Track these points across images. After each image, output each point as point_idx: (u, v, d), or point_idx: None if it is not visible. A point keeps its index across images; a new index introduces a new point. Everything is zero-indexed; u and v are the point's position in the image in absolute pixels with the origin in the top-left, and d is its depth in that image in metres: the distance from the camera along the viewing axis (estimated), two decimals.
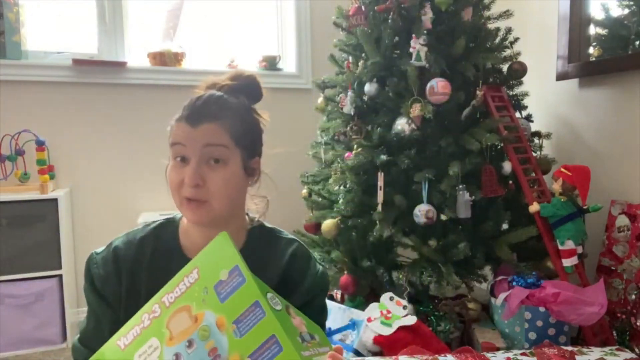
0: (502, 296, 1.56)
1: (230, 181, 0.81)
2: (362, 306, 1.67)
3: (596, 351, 1.30)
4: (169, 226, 0.91)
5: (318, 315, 0.99)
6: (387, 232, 1.60)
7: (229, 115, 0.83)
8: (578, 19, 1.89)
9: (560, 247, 1.52)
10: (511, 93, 1.80)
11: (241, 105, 0.87)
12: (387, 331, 1.49)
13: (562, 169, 1.57)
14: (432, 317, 1.62)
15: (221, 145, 0.80)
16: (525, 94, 1.81)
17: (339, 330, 1.62)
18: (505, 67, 1.79)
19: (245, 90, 0.90)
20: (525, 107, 1.83)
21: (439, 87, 1.54)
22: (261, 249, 0.91)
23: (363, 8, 1.73)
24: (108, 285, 0.85)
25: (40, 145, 2.04)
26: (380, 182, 1.61)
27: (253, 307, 0.64)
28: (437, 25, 1.64)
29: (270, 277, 0.88)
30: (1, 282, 1.91)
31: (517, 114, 1.75)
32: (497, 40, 1.77)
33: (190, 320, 0.66)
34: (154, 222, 0.92)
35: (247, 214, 0.94)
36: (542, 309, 1.47)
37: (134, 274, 0.85)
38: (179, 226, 0.90)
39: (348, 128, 1.74)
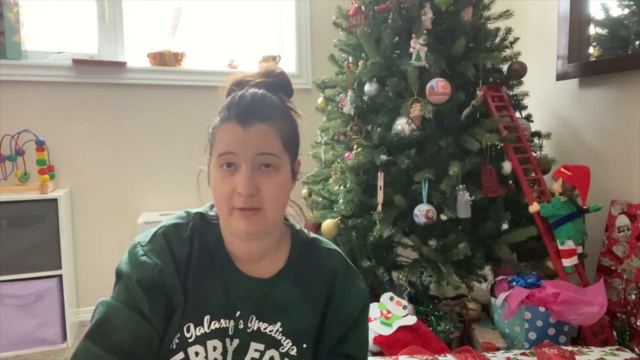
0: (502, 296, 1.56)
1: (282, 188, 0.78)
2: None
3: (596, 351, 1.30)
4: (211, 226, 0.85)
5: (356, 344, 0.90)
6: (387, 232, 1.60)
7: (278, 115, 0.79)
8: (578, 19, 1.89)
9: (560, 247, 1.52)
10: (511, 93, 1.80)
11: (284, 104, 0.83)
12: (387, 331, 1.49)
13: (562, 169, 1.57)
14: (432, 317, 1.62)
15: (273, 154, 0.76)
16: (525, 94, 1.81)
17: None
18: (505, 67, 1.79)
19: (279, 87, 0.85)
20: (525, 107, 1.83)
21: (439, 87, 1.54)
22: (304, 262, 0.87)
23: (363, 8, 1.73)
24: (164, 275, 0.78)
25: (40, 145, 2.04)
26: (380, 182, 1.61)
27: None
28: (437, 25, 1.64)
29: (314, 297, 0.86)
30: (1, 282, 1.91)
31: (517, 114, 1.75)
32: (497, 40, 1.77)
33: None
34: (187, 215, 0.85)
35: (287, 219, 0.90)
36: (542, 309, 1.47)
37: (186, 268, 0.80)
38: (220, 229, 0.85)
39: (348, 128, 1.74)
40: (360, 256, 1.73)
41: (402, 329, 1.49)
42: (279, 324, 0.83)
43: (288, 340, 0.83)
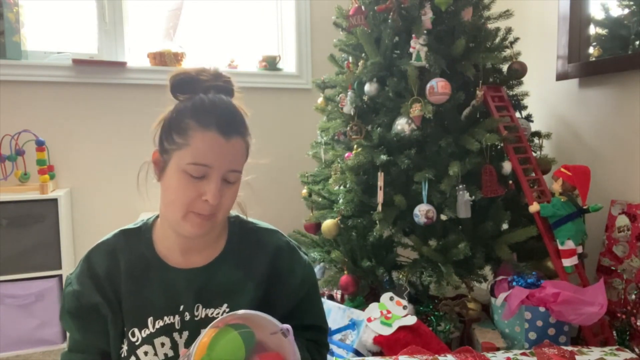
0: (502, 296, 1.56)
1: (235, 196, 0.85)
2: (362, 306, 1.67)
3: (596, 351, 1.30)
4: (139, 236, 0.91)
5: (316, 315, 0.98)
6: (387, 232, 1.60)
7: (246, 129, 0.85)
8: (578, 19, 1.89)
9: (560, 247, 1.52)
10: (511, 93, 1.80)
11: (245, 116, 0.87)
12: (387, 331, 1.49)
13: (562, 169, 1.56)
14: (432, 317, 1.62)
15: (239, 172, 0.84)
16: (525, 94, 1.81)
17: (338, 330, 1.62)
18: (505, 67, 1.79)
19: (228, 92, 0.88)
20: (525, 107, 1.83)
21: (439, 87, 1.54)
22: (243, 244, 0.92)
23: (363, 8, 1.73)
24: (83, 297, 0.85)
25: (40, 145, 2.04)
26: (380, 182, 1.61)
27: None
28: (437, 25, 1.64)
29: (258, 273, 0.90)
30: (1, 282, 1.91)
31: (517, 114, 1.75)
32: (497, 40, 1.77)
33: None
34: (111, 235, 0.93)
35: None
36: (542, 309, 1.47)
37: (113, 286, 0.86)
38: (152, 234, 0.91)
39: (348, 128, 1.74)
40: (360, 256, 1.73)
41: (402, 329, 1.49)
42: (225, 305, 0.87)
43: None
